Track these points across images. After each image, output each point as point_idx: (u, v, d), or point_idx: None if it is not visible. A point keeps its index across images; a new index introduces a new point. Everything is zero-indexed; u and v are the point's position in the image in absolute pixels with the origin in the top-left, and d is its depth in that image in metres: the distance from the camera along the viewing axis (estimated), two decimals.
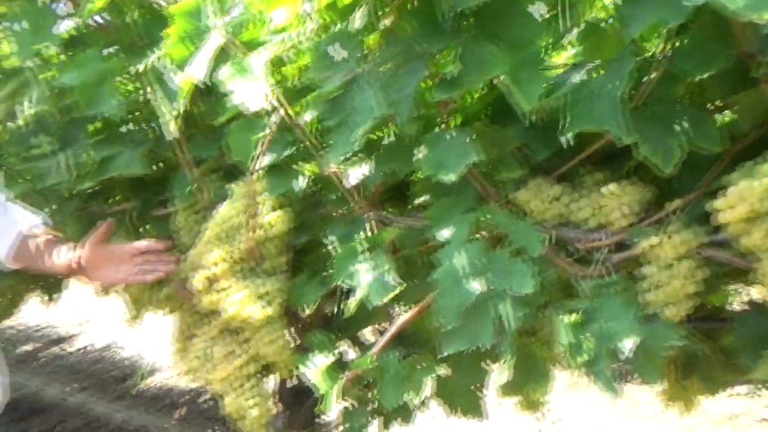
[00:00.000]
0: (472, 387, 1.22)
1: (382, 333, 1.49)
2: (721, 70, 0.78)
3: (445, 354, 0.89)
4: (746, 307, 0.94)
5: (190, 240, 1.34)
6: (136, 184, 1.43)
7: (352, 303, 0.95)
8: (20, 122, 1.33)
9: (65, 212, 1.46)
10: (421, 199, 1.03)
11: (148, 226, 1.53)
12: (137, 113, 1.36)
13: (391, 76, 0.87)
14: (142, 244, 1.26)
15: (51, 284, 2.22)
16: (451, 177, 0.86)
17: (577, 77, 0.85)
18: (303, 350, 1.26)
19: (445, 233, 0.93)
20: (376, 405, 1.22)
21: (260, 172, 1.11)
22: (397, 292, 0.92)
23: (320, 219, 1.21)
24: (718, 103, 0.91)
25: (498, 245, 0.93)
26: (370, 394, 1.24)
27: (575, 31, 0.90)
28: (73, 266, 1.21)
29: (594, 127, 0.79)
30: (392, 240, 1.02)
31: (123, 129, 1.33)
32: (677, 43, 0.83)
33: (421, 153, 0.91)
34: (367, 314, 1.31)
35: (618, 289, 0.87)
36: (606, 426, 2.92)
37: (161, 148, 1.30)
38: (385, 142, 1.01)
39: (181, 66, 1.05)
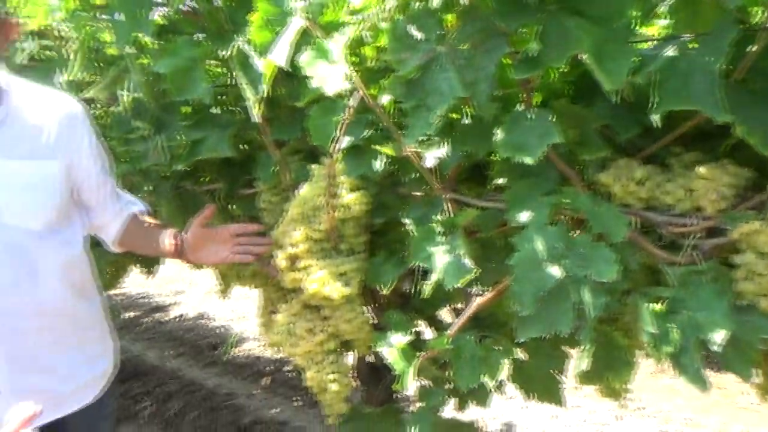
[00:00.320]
0: (550, 372, 1.20)
1: (458, 313, 1.50)
2: None
3: (522, 340, 0.88)
4: None
5: (273, 219, 1.39)
6: (223, 165, 1.49)
7: (428, 286, 0.96)
8: (121, 107, 1.42)
9: (161, 191, 1.56)
10: (500, 180, 1.01)
11: (234, 206, 1.60)
12: (224, 96, 1.43)
13: (470, 55, 0.86)
14: (238, 226, 1.33)
15: (149, 258, 2.39)
16: (530, 159, 0.84)
17: (668, 52, 0.80)
18: (380, 329, 1.28)
19: (523, 216, 0.92)
20: (452, 385, 1.23)
21: (339, 153, 1.13)
22: (472, 275, 0.91)
23: (398, 200, 1.22)
24: None
25: (579, 229, 0.90)
26: (446, 374, 1.25)
27: (667, 1, 0.85)
28: (176, 249, 1.31)
29: (687, 106, 0.74)
30: (469, 221, 1.01)
31: (212, 110, 1.39)
32: None
33: (499, 134, 0.89)
34: (444, 295, 1.32)
35: (709, 277, 0.82)
36: (693, 416, 2.78)
37: (247, 130, 1.36)
38: (463, 122, 1.00)
39: (264, 51, 1.08)
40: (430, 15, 0.90)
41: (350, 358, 1.51)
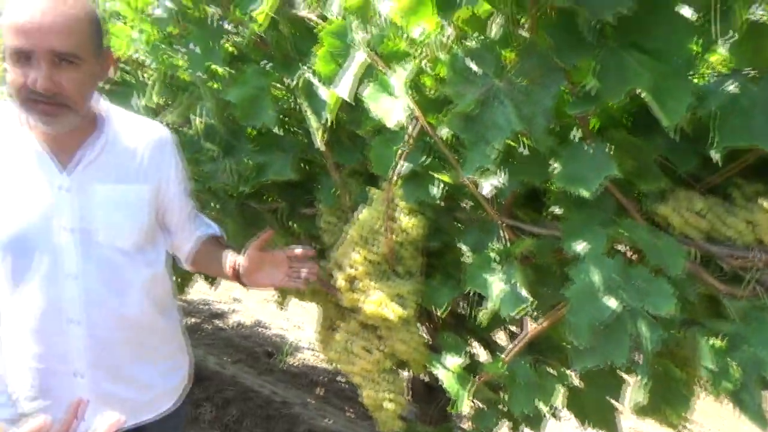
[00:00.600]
0: (606, 399, 1.19)
1: (512, 334, 1.51)
2: None
3: (576, 369, 0.89)
4: None
5: (332, 239, 1.44)
6: (286, 185, 1.56)
7: (484, 313, 0.98)
8: (192, 130, 1.51)
9: (227, 209, 1.64)
10: (556, 209, 1.03)
11: (295, 224, 1.67)
12: (287, 118, 1.49)
13: (527, 90, 0.88)
14: (291, 251, 1.36)
15: None
16: (586, 192, 0.85)
17: (729, 87, 0.80)
18: (435, 349, 1.31)
19: (579, 247, 0.93)
20: (506, 408, 1.24)
21: (398, 179, 1.17)
22: (528, 306, 0.92)
23: (454, 224, 1.25)
24: None
25: (636, 260, 0.91)
26: (500, 397, 1.26)
27: (729, 35, 0.85)
28: (233, 273, 1.37)
29: (747, 143, 0.75)
30: (526, 249, 1.03)
31: (276, 131, 1.46)
32: None
33: (556, 166, 0.90)
34: (498, 317, 1.34)
35: None
36: None
37: (309, 153, 1.42)
38: (520, 151, 1.02)
39: (328, 81, 1.14)
40: (488, 50, 0.93)
41: (405, 375, 1.54)
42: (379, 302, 1.23)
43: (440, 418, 1.55)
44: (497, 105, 0.89)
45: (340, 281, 1.28)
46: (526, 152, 1.02)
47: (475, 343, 1.46)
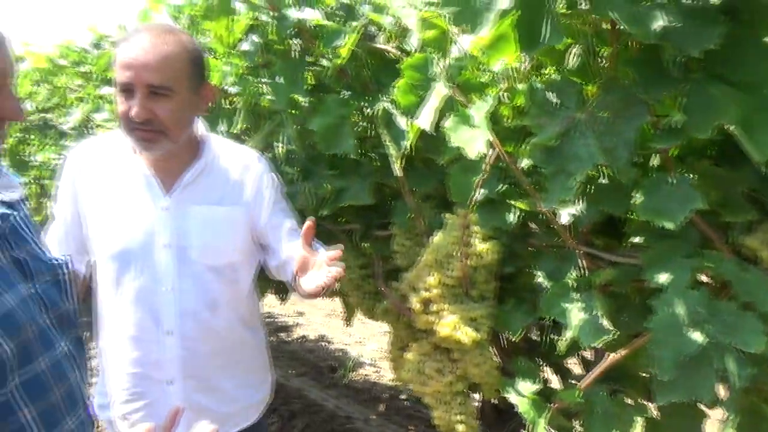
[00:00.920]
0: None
1: (585, 361, 1.49)
2: None
3: (659, 403, 0.89)
4: None
5: (406, 261, 1.48)
6: (360, 208, 1.61)
7: (563, 343, 0.99)
8: (272, 155, 1.59)
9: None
10: (636, 239, 1.02)
11: (367, 245, 1.72)
12: (364, 142, 1.55)
13: (609, 122, 0.89)
14: (334, 254, 1.23)
15: (284, 284, 2.58)
16: (671, 225, 0.85)
17: None
18: (507, 373, 1.32)
19: (662, 278, 0.92)
20: None
21: (474, 205, 1.20)
22: (610, 337, 0.93)
23: (528, 250, 1.26)
24: None
25: (723, 294, 0.90)
26: (573, 423, 1.25)
27: None
28: (294, 282, 1.33)
29: None
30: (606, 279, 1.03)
31: (353, 156, 1.50)
32: None
33: (638, 197, 0.91)
34: (573, 344, 1.34)
35: None
36: None
37: (385, 178, 1.46)
38: (600, 181, 1.03)
39: (407, 111, 1.18)
40: (568, 83, 0.95)
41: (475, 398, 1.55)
42: (453, 325, 1.25)
43: None
44: (578, 137, 0.90)
45: (415, 303, 1.31)
46: (605, 181, 1.03)
47: (546, 369, 1.46)
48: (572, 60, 1.06)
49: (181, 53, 1.24)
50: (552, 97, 0.96)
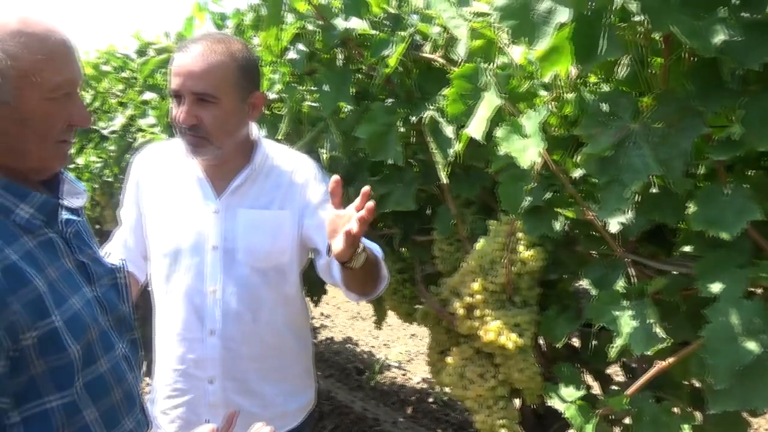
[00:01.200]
0: None
1: (625, 367, 1.50)
2: None
3: (712, 412, 0.89)
4: None
5: (446, 266, 1.50)
6: (400, 213, 1.63)
7: (613, 349, 1.00)
8: (318, 160, 1.62)
9: None
10: (686, 248, 1.03)
11: (404, 249, 1.74)
12: (405, 150, 1.57)
13: (664, 133, 0.90)
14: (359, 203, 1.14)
15: (316, 287, 2.62)
16: (726, 235, 0.86)
17: None
18: (548, 379, 1.33)
19: (715, 288, 0.93)
20: None
21: (520, 212, 1.21)
22: (664, 345, 0.93)
23: (573, 257, 1.27)
24: None
25: None
26: (615, 430, 1.26)
27: None
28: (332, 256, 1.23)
29: None
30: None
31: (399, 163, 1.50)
32: None
33: (692, 207, 0.92)
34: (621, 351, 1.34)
35: None
36: None
37: (426, 183, 1.48)
38: (651, 191, 1.03)
39: (455, 119, 1.20)
40: (622, 94, 0.96)
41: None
42: (497, 330, 1.27)
43: None
44: (633, 148, 0.91)
45: (458, 308, 1.33)
46: (655, 190, 1.04)
47: (587, 376, 1.46)
48: (621, 70, 1.07)
49: (228, 62, 1.28)
50: (605, 107, 0.97)
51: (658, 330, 0.94)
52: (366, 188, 1.13)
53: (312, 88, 1.46)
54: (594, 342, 1.40)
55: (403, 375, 4.04)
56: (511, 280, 1.29)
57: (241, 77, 1.30)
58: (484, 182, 1.38)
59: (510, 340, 1.26)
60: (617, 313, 1.01)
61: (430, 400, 3.61)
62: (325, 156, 1.52)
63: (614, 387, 1.41)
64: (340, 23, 1.37)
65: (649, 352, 0.93)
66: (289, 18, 1.44)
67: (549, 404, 1.25)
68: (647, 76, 1.02)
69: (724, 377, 0.86)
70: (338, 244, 1.14)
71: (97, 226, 3.27)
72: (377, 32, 1.35)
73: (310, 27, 1.45)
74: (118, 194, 2.94)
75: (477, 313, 1.31)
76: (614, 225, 1.07)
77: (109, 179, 2.86)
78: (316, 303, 2.70)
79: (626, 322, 0.99)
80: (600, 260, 1.17)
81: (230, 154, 1.35)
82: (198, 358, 1.43)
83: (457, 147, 1.18)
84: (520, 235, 1.26)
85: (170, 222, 1.40)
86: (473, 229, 1.42)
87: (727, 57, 0.81)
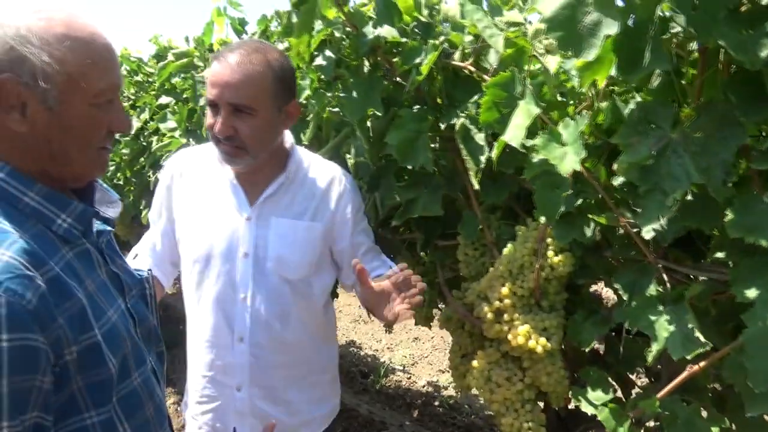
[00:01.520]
0: None
1: (648, 371, 1.52)
2: None
3: (749, 415, 0.91)
4: None
5: (470, 271, 1.52)
6: (423, 218, 1.65)
7: (650, 354, 1.02)
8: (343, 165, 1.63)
9: None
10: (719, 254, 1.05)
11: (426, 254, 1.75)
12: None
13: (704, 142, 0.92)
14: (395, 279, 1.30)
15: None
16: (765, 242, 0.88)
17: None
18: (573, 383, 1.35)
19: (751, 293, 0.95)
20: None
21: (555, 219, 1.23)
22: (705, 350, 0.96)
23: (600, 263, 1.29)
24: None
25: None
26: None
27: None
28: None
29: None
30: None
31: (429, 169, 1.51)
32: None
33: (729, 214, 0.94)
34: (638, 355, 1.36)
35: None
36: None
37: (452, 188, 1.50)
38: (687, 198, 1.05)
39: (488, 127, 1.22)
40: (662, 104, 0.98)
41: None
42: (526, 334, 1.29)
43: None
44: (674, 157, 0.93)
45: (486, 312, 1.35)
46: (689, 198, 1.06)
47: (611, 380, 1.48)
48: (654, 80, 1.10)
49: (266, 73, 1.28)
50: (643, 117, 0.99)
51: (698, 334, 0.96)
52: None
53: (340, 94, 1.47)
54: (619, 346, 1.42)
55: (408, 378, 4.06)
56: (540, 285, 1.31)
57: (278, 87, 1.31)
58: (511, 188, 1.40)
59: (539, 343, 1.28)
60: (653, 317, 1.03)
61: (436, 403, 3.63)
62: (350, 161, 1.53)
63: (636, 391, 1.43)
64: (370, 30, 1.39)
65: (689, 356, 0.95)
66: (317, 25, 1.45)
67: (574, 407, 1.27)
68: (682, 86, 1.05)
69: (762, 381, 0.88)
70: (388, 315, 1.29)
71: None
72: (407, 40, 1.37)
73: (337, 34, 1.46)
74: (128, 197, 2.95)
75: (505, 317, 1.33)
76: (648, 232, 1.09)
77: (120, 182, 2.86)
78: None
79: (663, 326, 1.01)
80: (629, 266, 1.19)
81: (264, 162, 1.36)
82: (226, 365, 1.44)
83: (492, 153, 1.20)
84: (549, 240, 1.28)
85: (202, 228, 1.41)
86: (499, 234, 1.44)
87: None
